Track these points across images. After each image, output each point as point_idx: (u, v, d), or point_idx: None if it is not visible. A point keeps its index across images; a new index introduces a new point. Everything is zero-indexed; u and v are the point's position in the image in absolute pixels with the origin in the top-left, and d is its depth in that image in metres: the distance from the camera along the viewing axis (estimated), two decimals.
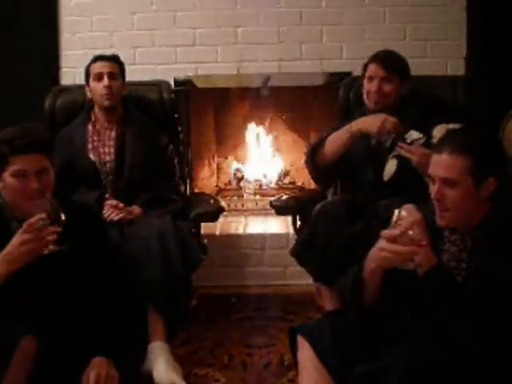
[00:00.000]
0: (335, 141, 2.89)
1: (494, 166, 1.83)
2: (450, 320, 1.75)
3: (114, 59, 3.07)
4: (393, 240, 1.75)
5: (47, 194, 2.07)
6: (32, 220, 1.93)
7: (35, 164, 2.04)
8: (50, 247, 1.95)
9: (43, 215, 1.94)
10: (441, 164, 1.81)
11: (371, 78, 2.89)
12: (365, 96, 2.93)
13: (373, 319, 1.89)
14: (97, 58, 3.06)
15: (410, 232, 1.75)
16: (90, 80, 3.04)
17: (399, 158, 2.77)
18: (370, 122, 2.80)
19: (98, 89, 3.00)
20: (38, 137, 2.08)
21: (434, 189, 1.83)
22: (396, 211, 1.80)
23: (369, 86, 2.89)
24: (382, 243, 1.78)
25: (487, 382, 1.72)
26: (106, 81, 2.98)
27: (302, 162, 3.13)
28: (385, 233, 1.78)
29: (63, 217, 1.97)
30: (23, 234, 1.93)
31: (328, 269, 2.70)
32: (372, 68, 2.90)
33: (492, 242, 1.80)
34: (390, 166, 2.78)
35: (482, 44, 3.65)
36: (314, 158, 2.96)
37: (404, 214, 1.78)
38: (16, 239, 1.94)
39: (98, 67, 3.02)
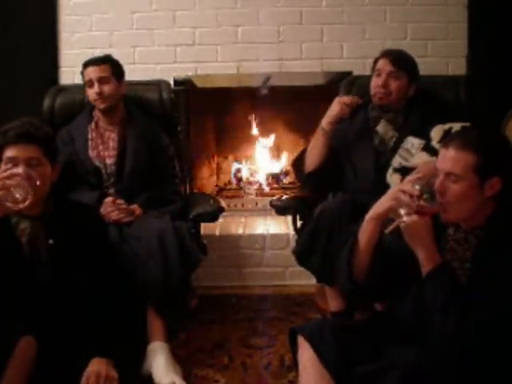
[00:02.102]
0: (313, 147, 2.95)
1: (501, 165, 1.82)
2: (452, 320, 1.73)
3: (104, 61, 3.02)
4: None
5: (37, 188, 2.06)
6: None
7: (26, 153, 2.07)
8: (17, 196, 1.97)
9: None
10: (446, 158, 1.82)
11: (379, 73, 2.88)
12: (371, 91, 2.92)
13: (373, 319, 1.88)
14: (87, 64, 3.03)
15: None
16: (85, 85, 3.04)
17: (403, 170, 2.76)
18: (331, 111, 2.90)
19: (91, 95, 3.00)
20: (31, 129, 2.12)
21: (437, 181, 1.84)
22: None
23: (376, 81, 2.88)
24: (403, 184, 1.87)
25: (488, 382, 1.71)
26: (96, 87, 2.97)
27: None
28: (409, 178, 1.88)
29: (38, 183, 2.01)
30: None
31: (330, 268, 2.70)
32: (381, 62, 2.89)
33: (497, 242, 1.79)
34: (395, 180, 2.76)
35: (484, 43, 3.64)
36: (300, 169, 3.00)
37: None
38: None
39: (88, 73, 3.00)
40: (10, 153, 2.08)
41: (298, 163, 3.04)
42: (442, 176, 1.83)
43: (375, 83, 2.88)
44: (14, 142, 2.08)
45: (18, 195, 1.97)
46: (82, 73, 3.05)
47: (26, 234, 2.11)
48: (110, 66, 3.03)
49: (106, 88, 2.99)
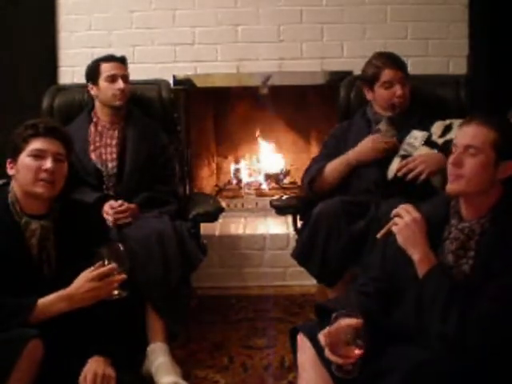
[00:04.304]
0: (333, 173, 2.89)
1: None
2: (452, 321, 1.72)
3: (125, 61, 3.08)
4: (329, 338, 1.76)
5: (57, 183, 2.11)
6: (105, 269, 2.01)
7: (54, 147, 2.11)
8: (115, 292, 2.03)
9: (115, 265, 2.02)
10: (467, 132, 1.87)
11: (390, 84, 2.84)
12: (381, 103, 2.88)
13: (375, 320, 1.86)
14: (109, 59, 3.04)
15: (348, 336, 1.74)
16: (100, 79, 3.01)
17: (404, 157, 2.76)
18: (364, 151, 2.82)
19: (111, 90, 2.99)
20: (59, 126, 2.21)
21: (453, 155, 1.87)
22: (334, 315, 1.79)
23: (389, 92, 2.85)
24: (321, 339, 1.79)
25: (491, 381, 1.70)
26: (121, 84, 2.99)
27: (301, 183, 3.12)
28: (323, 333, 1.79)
29: (129, 264, 2.06)
30: (92, 282, 2.00)
31: (329, 270, 2.69)
32: (389, 73, 2.84)
33: (502, 230, 1.80)
34: (394, 165, 2.76)
35: (484, 43, 3.63)
36: (312, 186, 2.94)
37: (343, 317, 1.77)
38: (84, 284, 2.01)
39: (112, 68, 3.00)
40: (38, 145, 2.09)
41: (310, 184, 2.95)
42: (460, 149, 1.85)
43: (390, 95, 2.84)
44: (45, 135, 2.10)
45: (116, 292, 2.04)
46: (97, 67, 3.02)
47: (37, 234, 2.10)
48: (126, 67, 3.08)
49: (127, 87, 3.02)
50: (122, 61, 3.06)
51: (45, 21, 3.75)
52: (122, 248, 2.08)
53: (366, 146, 2.83)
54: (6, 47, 3.73)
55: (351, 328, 1.74)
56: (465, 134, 1.87)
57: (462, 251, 1.85)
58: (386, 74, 2.85)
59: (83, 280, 2.01)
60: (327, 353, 1.75)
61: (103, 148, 3.00)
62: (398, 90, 2.83)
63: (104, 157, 2.99)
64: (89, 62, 3.10)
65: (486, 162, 1.83)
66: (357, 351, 1.72)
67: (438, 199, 2.02)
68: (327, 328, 1.77)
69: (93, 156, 2.99)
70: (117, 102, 3.01)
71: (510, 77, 3.56)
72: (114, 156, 2.99)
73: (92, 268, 2.02)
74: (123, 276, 2.03)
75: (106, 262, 2.03)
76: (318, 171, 2.91)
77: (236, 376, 2.63)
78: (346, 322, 1.75)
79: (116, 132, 3.02)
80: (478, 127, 1.85)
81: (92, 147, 3.00)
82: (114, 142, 3.01)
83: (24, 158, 2.10)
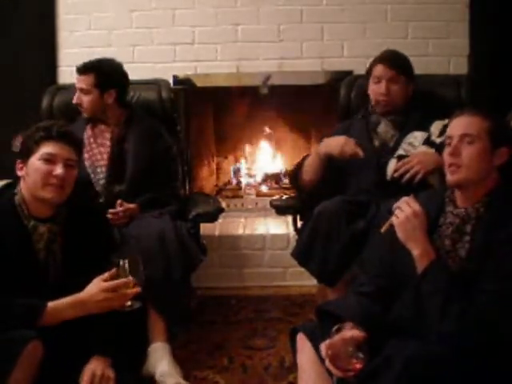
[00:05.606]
0: (309, 166, 2.90)
1: (509, 138, 1.91)
2: (451, 319, 1.72)
3: (90, 70, 2.93)
4: (331, 350, 1.75)
5: (66, 188, 2.09)
6: (122, 282, 1.99)
7: (66, 153, 2.09)
8: (128, 303, 2.02)
9: (131, 279, 2.00)
10: (461, 122, 1.90)
11: (378, 79, 2.84)
12: (372, 98, 2.89)
13: (376, 321, 1.86)
14: (76, 69, 2.99)
15: (350, 348, 1.73)
16: None
17: (401, 157, 2.75)
18: (333, 145, 2.80)
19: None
20: (72, 131, 2.17)
21: (449, 148, 1.89)
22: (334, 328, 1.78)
23: (376, 88, 2.85)
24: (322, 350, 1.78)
25: (487, 375, 1.69)
26: (75, 97, 2.95)
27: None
28: (325, 343, 1.77)
29: (143, 276, 2.05)
30: (106, 293, 1.98)
31: (329, 269, 2.68)
32: (379, 69, 2.85)
33: (497, 214, 1.81)
34: (391, 165, 2.76)
35: (485, 42, 3.62)
36: (297, 183, 2.96)
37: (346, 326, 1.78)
38: (99, 294, 1.98)
39: (76, 81, 2.97)
40: (50, 149, 2.07)
41: (296, 172, 2.98)
42: (456, 140, 1.88)
43: (376, 91, 2.85)
44: (57, 139, 2.08)
45: (129, 303, 2.03)
46: None
47: (45, 238, 2.09)
48: (95, 76, 2.93)
49: (85, 99, 2.94)
50: (84, 71, 2.94)
51: (45, 21, 3.75)
52: (140, 261, 2.05)
53: (336, 143, 2.81)
54: (5, 46, 3.72)
55: (353, 341, 1.73)
56: (458, 124, 1.90)
57: (458, 235, 1.86)
58: (377, 70, 2.86)
59: (97, 289, 1.98)
60: (328, 365, 1.74)
61: (96, 149, 2.98)
62: (381, 87, 2.82)
63: (94, 158, 2.97)
64: None
65: (483, 149, 1.86)
66: (358, 364, 1.71)
67: (433, 191, 2.04)
68: (328, 340, 1.76)
69: (85, 156, 2.96)
70: (83, 114, 2.99)
71: (511, 77, 3.55)
72: (105, 156, 2.96)
73: (106, 275, 2.00)
74: (138, 289, 2.01)
75: (126, 274, 2.01)
76: (298, 164, 2.94)
77: (236, 376, 2.62)
78: (349, 334, 1.75)
79: (109, 133, 2.99)
80: (470, 117, 1.89)
81: (86, 149, 2.97)
82: (107, 142, 2.98)
83: (35, 161, 2.07)
